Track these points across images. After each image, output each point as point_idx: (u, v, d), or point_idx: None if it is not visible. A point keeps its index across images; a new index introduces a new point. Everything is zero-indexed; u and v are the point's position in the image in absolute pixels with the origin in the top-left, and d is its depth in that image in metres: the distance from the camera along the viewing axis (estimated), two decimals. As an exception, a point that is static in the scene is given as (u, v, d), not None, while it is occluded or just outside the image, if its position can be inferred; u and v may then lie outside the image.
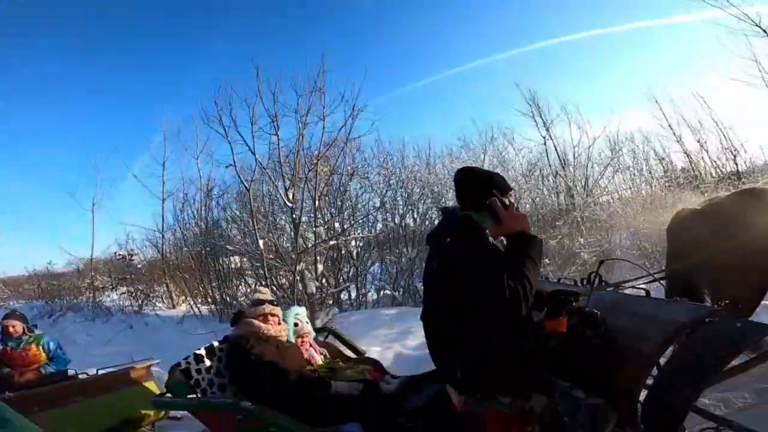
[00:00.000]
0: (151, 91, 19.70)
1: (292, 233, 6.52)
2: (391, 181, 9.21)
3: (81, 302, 11.22)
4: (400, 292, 8.74)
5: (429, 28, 22.74)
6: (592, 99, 21.58)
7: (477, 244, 1.61)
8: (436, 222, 8.64)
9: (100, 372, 3.47)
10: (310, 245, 6.59)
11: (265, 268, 6.33)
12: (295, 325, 2.93)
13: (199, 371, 2.34)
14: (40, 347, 3.87)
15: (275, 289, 6.56)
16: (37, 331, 4.07)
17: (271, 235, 6.84)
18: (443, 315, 1.65)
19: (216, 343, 2.55)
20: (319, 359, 2.85)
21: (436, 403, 1.94)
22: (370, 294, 9.15)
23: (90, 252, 12.49)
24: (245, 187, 6.41)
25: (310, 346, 2.92)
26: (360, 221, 9.01)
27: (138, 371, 3.38)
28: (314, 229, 6.54)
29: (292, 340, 2.77)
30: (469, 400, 1.60)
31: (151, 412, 3.16)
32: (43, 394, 2.79)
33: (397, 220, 9.35)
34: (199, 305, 9.88)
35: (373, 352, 4.72)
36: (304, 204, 6.83)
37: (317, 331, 3.29)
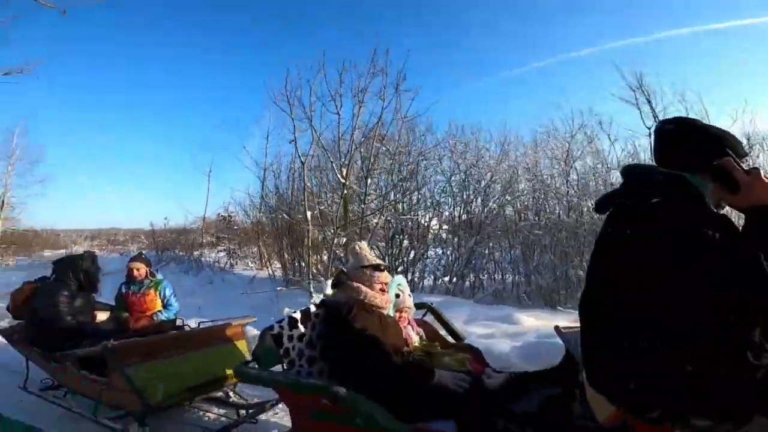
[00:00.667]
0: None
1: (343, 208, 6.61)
2: (461, 166, 8.83)
3: (184, 256, 12.99)
4: (452, 281, 8.43)
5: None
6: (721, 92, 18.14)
7: (705, 213, 1.18)
8: (504, 212, 7.82)
9: (202, 325, 3.44)
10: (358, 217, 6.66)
11: (309, 239, 6.61)
12: (396, 296, 2.55)
13: (290, 338, 2.13)
14: (158, 293, 3.86)
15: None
16: (158, 276, 4.05)
17: (321, 207, 7.09)
18: (629, 302, 1.19)
19: (313, 307, 2.30)
20: (416, 339, 2.48)
21: (549, 408, 1.68)
22: (426, 280, 9.01)
23: (204, 211, 14.37)
24: (300, 161, 6.69)
25: (408, 323, 2.54)
26: (424, 204, 8.88)
27: (234, 328, 3.26)
28: (363, 205, 6.55)
29: (392, 314, 2.42)
30: (625, 415, 1.22)
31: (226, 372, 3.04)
32: (144, 345, 2.76)
33: (460, 208, 8.98)
34: (275, 269, 10.82)
35: None
36: (362, 181, 6.92)
37: (417, 307, 2.89)
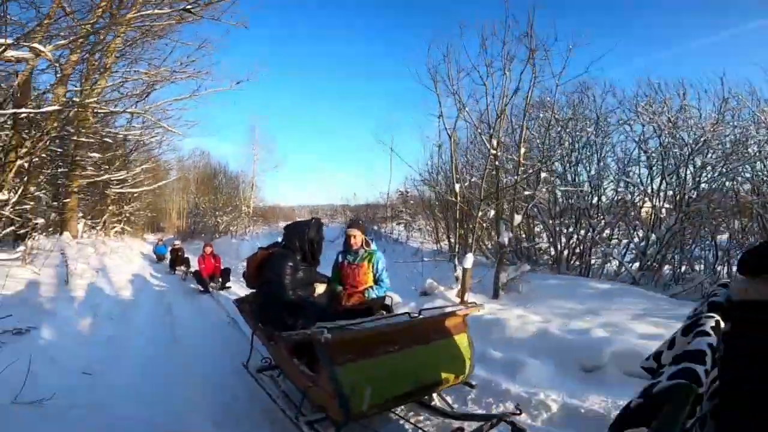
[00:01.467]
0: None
1: (494, 180, 6.31)
2: (663, 133, 7.04)
3: (368, 229, 14.78)
4: (643, 269, 6.93)
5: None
6: None
7: None
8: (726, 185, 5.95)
9: (423, 314, 2.48)
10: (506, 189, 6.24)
11: (457, 211, 6.55)
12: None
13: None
14: (371, 265, 3.41)
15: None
16: (372, 246, 3.57)
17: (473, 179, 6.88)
18: None
19: None
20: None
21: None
22: (609, 265, 7.72)
23: (387, 188, 16.00)
24: (447, 134, 6.64)
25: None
26: (604, 177, 7.56)
27: (456, 318, 2.59)
28: (516, 176, 6.07)
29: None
30: None
31: (451, 376, 2.50)
32: (361, 340, 2.17)
33: (659, 181, 7.21)
34: (443, 241, 11.24)
35: (531, 322, 4.23)
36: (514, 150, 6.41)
37: None
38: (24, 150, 6.11)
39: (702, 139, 6.60)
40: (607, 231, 7.79)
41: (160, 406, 2.82)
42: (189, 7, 4.84)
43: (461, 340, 2.59)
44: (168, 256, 12.56)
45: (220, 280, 8.10)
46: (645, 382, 2.37)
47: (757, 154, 6.33)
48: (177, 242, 12.96)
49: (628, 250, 7.62)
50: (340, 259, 3.51)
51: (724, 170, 6.54)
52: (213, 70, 8.91)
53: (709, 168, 6.78)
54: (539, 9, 5.64)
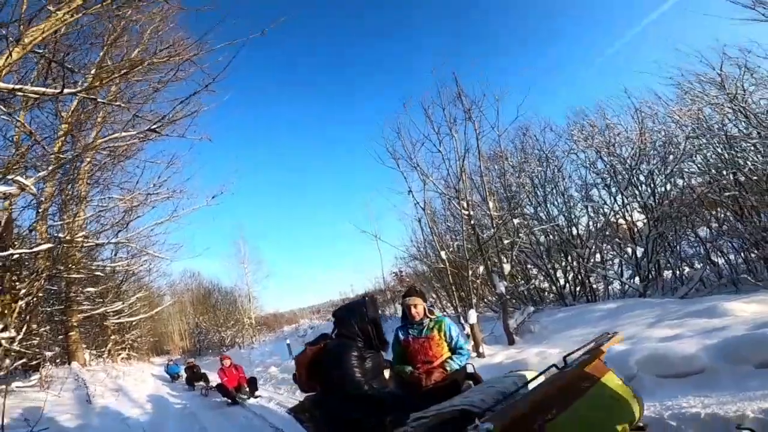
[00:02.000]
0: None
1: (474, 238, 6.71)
2: (602, 153, 7.76)
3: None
4: (644, 280, 7.08)
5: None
6: None
7: None
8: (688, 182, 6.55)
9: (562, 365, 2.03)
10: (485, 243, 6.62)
11: (449, 276, 6.83)
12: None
13: None
14: (443, 334, 2.98)
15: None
16: (436, 312, 3.20)
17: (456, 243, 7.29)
18: None
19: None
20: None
21: None
22: (612, 287, 7.89)
23: (381, 272, 16.26)
24: (421, 208, 7.17)
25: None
26: (570, 205, 8.05)
27: (596, 355, 2.02)
28: (493, 229, 6.50)
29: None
30: None
31: (625, 425, 1.93)
32: (518, 419, 1.54)
33: (617, 199, 7.76)
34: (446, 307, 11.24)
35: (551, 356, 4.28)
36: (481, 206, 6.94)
37: None
38: (23, 291, 6.30)
39: (637, 150, 7.23)
40: (597, 255, 8.06)
41: None
42: (154, 127, 5.18)
43: (611, 379, 2.05)
44: (183, 374, 12.47)
45: (248, 389, 7.72)
46: (682, 380, 2.50)
47: (689, 148, 6.83)
48: (191, 360, 12.78)
49: (623, 267, 7.84)
50: (401, 336, 3.04)
51: (668, 171, 7.05)
52: (186, 187, 8.69)
53: (655, 173, 7.30)
54: (467, 68, 6.65)
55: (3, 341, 5.11)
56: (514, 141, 9.01)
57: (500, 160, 7.92)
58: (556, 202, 8.38)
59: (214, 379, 9.52)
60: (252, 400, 7.35)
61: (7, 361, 5.44)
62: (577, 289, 7.89)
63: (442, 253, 6.71)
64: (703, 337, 3.52)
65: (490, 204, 6.50)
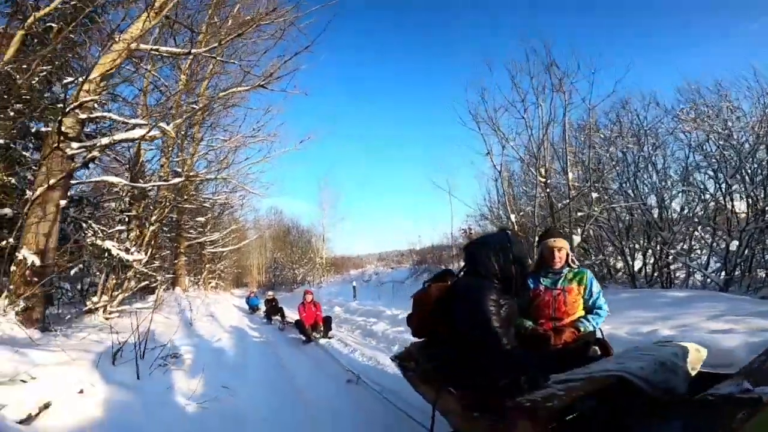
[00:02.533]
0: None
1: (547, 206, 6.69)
2: (713, 137, 7.00)
3: (433, 268, 15.25)
4: (730, 275, 6.60)
5: None
6: None
7: None
8: None
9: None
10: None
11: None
12: None
13: None
14: (582, 288, 2.53)
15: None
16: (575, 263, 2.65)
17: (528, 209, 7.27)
18: None
19: None
20: None
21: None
22: (692, 277, 7.42)
23: (450, 227, 16.64)
24: (497, 171, 7.21)
25: None
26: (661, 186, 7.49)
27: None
28: (567, 200, 6.40)
29: None
30: None
31: None
32: None
33: (721, 187, 7.03)
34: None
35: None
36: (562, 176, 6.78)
37: None
38: (153, 218, 7.70)
39: (755, 137, 6.46)
40: (684, 242, 7.57)
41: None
42: (263, 83, 5.92)
43: None
44: (262, 307, 12.91)
45: (322, 328, 7.64)
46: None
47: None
48: (270, 293, 12.89)
49: (710, 258, 7.31)
50: (530, 284, 2.52)
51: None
52: (279, 132, 10.25)
53: None
54: (559, 37, 6.29)
55: (135, 263, 6.37)
56: (608, 113, 8.42)
57: (589, 131, 7.50)
58: (647, 181, 7.86)
59: (290, 314, 10.13)
60: (324, 341, 7.30)
61: (133, 282, 6.75)
62: (655, 274, 7.54)
63: (512, 216, 6.82)
64: (748, 335, 3.41)
65: (570, 175, 6.36)
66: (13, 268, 4.34)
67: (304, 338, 7.51)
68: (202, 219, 12.86)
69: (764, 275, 6.68)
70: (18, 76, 4.73)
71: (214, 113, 10.38)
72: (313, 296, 8.32)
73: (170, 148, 9.29)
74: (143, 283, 7.74)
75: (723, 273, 6.90)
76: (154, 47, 4.96)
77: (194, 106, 7.81)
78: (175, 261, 11.79)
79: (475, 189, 41.46)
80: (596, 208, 6.66)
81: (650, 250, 7.62)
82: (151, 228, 7.40)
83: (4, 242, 4.70)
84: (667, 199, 7.64)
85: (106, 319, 5.69)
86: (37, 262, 4.35)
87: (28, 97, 5.38)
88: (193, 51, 4.80)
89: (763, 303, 5.00)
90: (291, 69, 5.82)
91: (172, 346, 4.63)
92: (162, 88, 8.82)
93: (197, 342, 5.74)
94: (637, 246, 7.78)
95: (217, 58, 6.75)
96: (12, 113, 5.17)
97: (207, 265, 15.88)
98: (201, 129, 10.95)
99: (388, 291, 13.67)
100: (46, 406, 2.41)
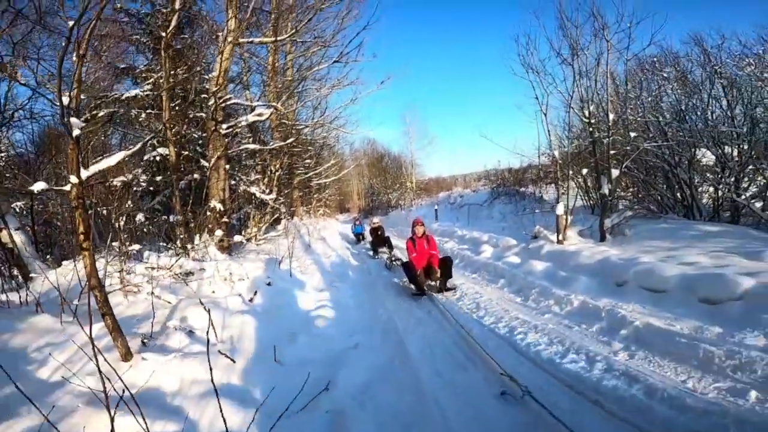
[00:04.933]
0: None
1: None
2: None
3: (511, 190, 16.02)
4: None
5: None
6: None
7: None
8: None
9: None
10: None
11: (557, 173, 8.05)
12: None
13: None
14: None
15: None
16: None
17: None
18: None
19: None
20: None
21: None
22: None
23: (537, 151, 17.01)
24: (543, 113, 7.96)
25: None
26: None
27: None
28: (608, 137, 7.16)
29: None
30: None
31: None
32: None
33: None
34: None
35: (602, 254, 5.49)
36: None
37: None
38: (276, 165, 10.46)
39: None
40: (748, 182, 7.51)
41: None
42: (337, 59, 7.69)
43: None
44: (367, 236, 12.21)
45: (438, 273, 5.79)
46: (655, 294, 4.09)
47: None
48: (376, 220, 11.59)
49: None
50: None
51: None
52: (361, 77, 12.76)
53: None
54: None
55: (270, 201, 9.17)
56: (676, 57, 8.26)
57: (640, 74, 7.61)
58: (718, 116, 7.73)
59: (396, 244, 10.27)
60: (442, 297, 5.50)
61: (269, 216, 9.61)
62: (712, 207, 7.83)
63: (556, 152, 7.88)
64: (698, 270, 4.22)
65: (610, 116, 7.00)
66: (208, 213, 7.18)
67: (414, 289, 5.83)
68: (309, 161, 15.97)
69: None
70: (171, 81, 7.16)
71: (303, 74, 12.57)
72: (425, 228, 6.47)
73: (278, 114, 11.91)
74: (276, 216, 10.74)
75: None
76: (249, 39, 6.99)
77: (292, 81, 10.06)
78: (292, 195, 15.14)
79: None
80: (641, 144, 7.24)
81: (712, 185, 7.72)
82: (276, 173, 10.17)
83: (202, 197, 7.60)
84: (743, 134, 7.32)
85: (257, 245, 8.65)
86: (221, 208, 7.12)
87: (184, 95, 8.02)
88: (279, 37, 6.84)
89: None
90: (357, 44, 7.60)
91: (301, 259, 7.33)
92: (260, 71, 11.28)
93: (315, 258, 8.48)
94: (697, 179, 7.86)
95: (299, 40, 8.68)
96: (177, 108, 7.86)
97: (315, 196, 19.36)
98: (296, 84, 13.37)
99: (465, 214, 15.28)
100: (255, 292, 4.89)
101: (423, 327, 4.50)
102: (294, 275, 6.19)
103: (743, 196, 7.09)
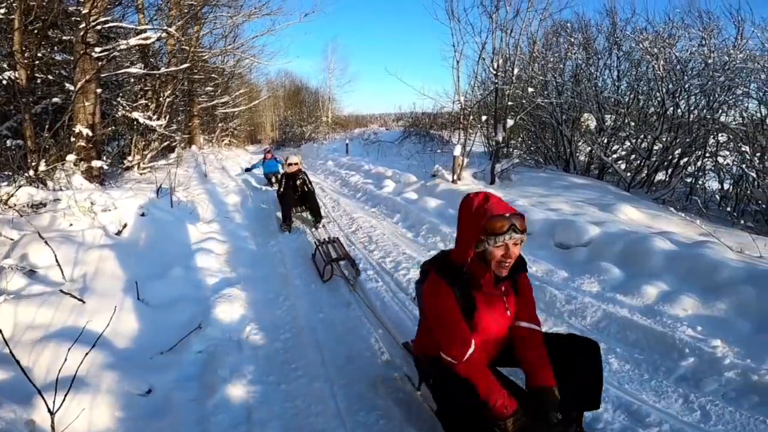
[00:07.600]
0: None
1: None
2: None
3: (422, 131, 16.16)
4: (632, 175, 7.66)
5: None
6: None
7: None
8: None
9: None
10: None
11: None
12: None
13: None
14: None
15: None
16: None
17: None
18: None
19: None
20: None
21: None
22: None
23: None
24: (456, 60, 8.05)
25: None
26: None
27: None
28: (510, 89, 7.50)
29: None
30: None
31: None
32: None
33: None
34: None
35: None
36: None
37: None
38: (168, 91, 9.22)
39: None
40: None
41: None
42: None
43: None
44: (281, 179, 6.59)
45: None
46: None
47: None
48: (294, 158, 6.75)
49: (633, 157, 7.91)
50: None
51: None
52: (283, 6, 11.43)
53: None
54: None
55: (158, 127, 8.12)
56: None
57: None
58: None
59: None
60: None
61: (156, 143, 8.57)
62: (585, 163, 8.72)
63: (462, 99, 8.15)
64: (559, 216, 4.76)
65: (515, 70, 7.32)
66: (72, 139, 6.15)
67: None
68: (210, 88, 14.39)
69: (665, 178, 7.43)
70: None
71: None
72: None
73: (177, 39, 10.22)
74: (165, 143, 9.65)
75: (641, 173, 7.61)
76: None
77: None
78: (190, 123, 13.60)
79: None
80: (535, 99, 7.78)
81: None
82: (167, 99, 8.97)
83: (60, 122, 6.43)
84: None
85: (141, 174, 7.74)
86: (90, 133, 6.13)
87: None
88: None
89: (635, 200, 5.94)
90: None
91: (190, 189, 6.79)
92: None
93: (209, 188, 7.90)
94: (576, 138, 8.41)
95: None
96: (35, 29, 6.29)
97: (219, 125, 17.70)
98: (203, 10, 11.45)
99: (376, 150, 15.42)
100: (125, 225, 4.40)
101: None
102: (179, 205, 5.70)
103: (611, 157, 8.04)
